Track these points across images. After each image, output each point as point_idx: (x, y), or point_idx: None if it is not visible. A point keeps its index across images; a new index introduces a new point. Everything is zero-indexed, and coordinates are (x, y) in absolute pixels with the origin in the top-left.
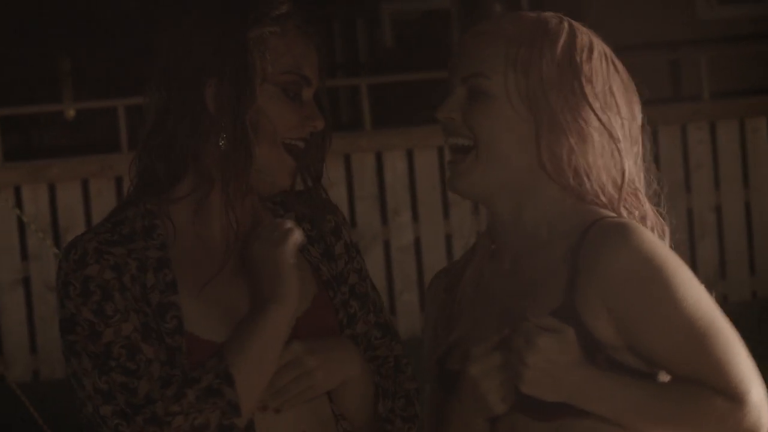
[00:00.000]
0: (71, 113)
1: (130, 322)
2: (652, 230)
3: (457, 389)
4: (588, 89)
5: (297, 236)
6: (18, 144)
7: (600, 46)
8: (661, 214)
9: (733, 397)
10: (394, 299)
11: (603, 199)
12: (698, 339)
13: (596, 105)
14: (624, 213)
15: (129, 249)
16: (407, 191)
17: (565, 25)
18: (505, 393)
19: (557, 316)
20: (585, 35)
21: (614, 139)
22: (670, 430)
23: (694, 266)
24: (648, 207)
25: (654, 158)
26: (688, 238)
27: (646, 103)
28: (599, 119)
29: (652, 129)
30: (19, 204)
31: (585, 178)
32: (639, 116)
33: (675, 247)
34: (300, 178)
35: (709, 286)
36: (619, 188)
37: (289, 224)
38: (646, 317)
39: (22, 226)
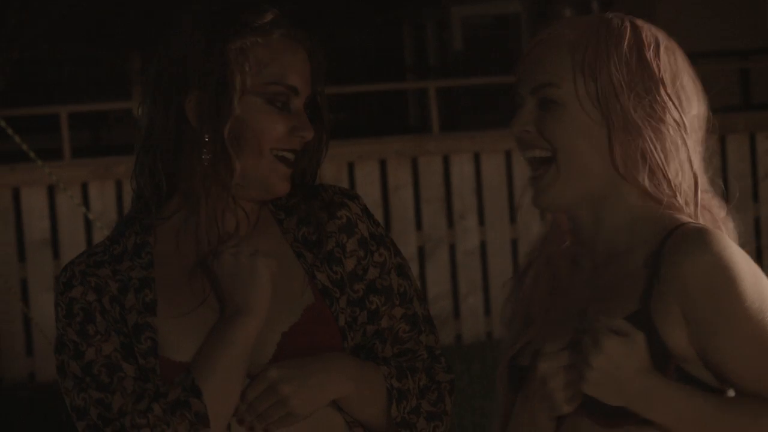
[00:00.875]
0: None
1: (111, 342)
2: (725, 231)
3: (526, 386)
4: (660, 86)
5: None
6: (86, 141)
7: (665, 40)
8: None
9: None
10: (459, 303)
11: (680, 200)
12: None
13: (669, 103)
14: (700, 215)
15: (114, 270)
16: (474, 195)
17: (627, 22)
18: (571, 393)
19: (631, 322)
20: (649, 30)
21: (688, 136)
22: None
23: None
24: (719, 207)
25: (721, 167)
26: (755, 248)
27: (715, 111)
28: (673, 117)
29: (719, 137)
30: (85, 201)
31: (662, 179)
32: (705, 111)
33: None
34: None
35: None
36: (695, 188)
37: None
38: (720, 328)
39: (88, 223)
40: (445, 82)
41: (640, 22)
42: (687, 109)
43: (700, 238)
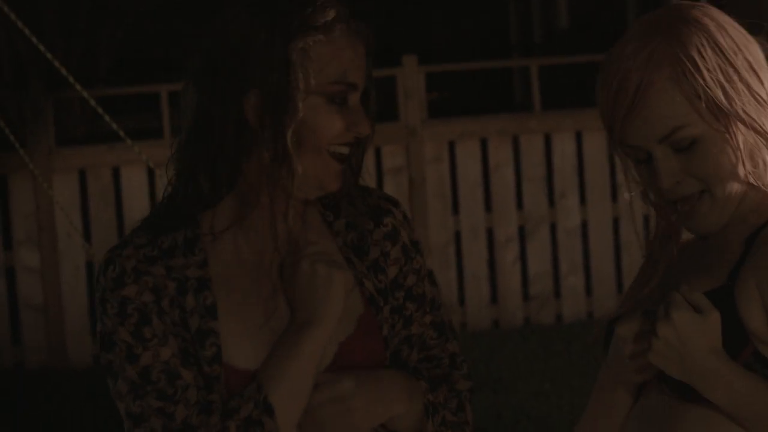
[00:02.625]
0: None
1: (169, 346)
2: None
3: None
4: (750, 79)
5: (345, 272)
6: None
7: (719, 17)
8: None
9: None
10: (560, 282)
11: None
12: None
13: (763, 92)
14: None
15: (168, 267)
16: (575, 173)
17: (691, 26)
18: (642, 362)
19: (713, 297)
20: (710, 20)
21: None
22: None
23: None
24: None
25: None
26: None
27: None
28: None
29: None
30: None
31: None
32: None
33: None
34: (350, 179)
35: None
36: None
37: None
38: None
39: None
40: (547, 60)
41: (699, 15)
42: (766, 83)
43: None
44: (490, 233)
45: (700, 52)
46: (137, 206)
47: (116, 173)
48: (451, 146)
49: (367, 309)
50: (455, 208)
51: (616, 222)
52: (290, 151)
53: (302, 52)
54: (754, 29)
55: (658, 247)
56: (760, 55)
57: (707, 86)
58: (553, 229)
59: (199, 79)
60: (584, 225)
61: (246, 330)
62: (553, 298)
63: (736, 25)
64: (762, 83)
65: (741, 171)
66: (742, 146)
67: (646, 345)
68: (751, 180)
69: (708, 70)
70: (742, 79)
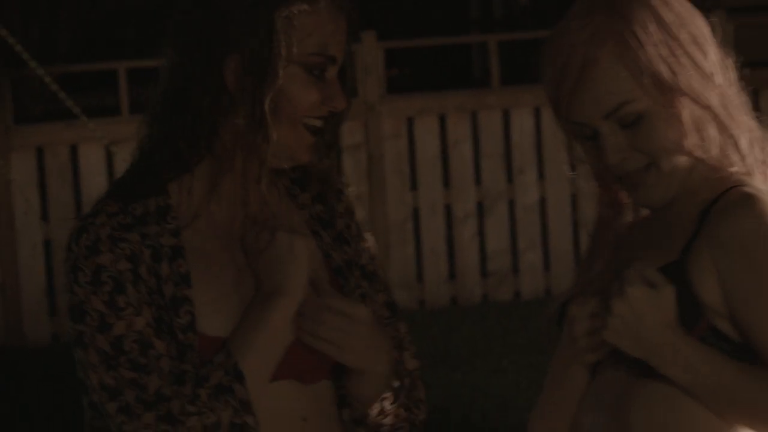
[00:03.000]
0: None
1: (143, 316)
2: None
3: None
4: (694, 52)
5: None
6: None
7: None
8: None
9: None
10: (518, 258)
11: (735, 157)
12: None
13: (712, 65)
14: (756, 169)
15: (143, 234)
16: (534, 150)
17: (633, 2)
18: (595, 341)
19: (667, 271)
20: None
21: (727, 87)
22: (746, 417)
23: None
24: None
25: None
26: None
27: (749, 65)
28: (714, 81)
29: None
30: None
31: (728, 144)
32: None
33: None
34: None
35: None
36: (750, 144)
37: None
38: (750, 294)
39: None
40: (506, 36)
41: None
42: (710, 56)
43: (746, 200)
44: (448, 209)
45: (643, 28)
46: (95, 184)
47: (74, 151)
48: (410, 122)
49: (334, 281)
50: (413, 185)
51: (574, 198)
52: (267, 117)
53: (286, 19)
54: (710, 5)
55: (604, 224)
56: (705, 29)
57: (651, 61)
58: (511, 205)
59: (179, 42)
60: (542, 201)
61: (219, 298)
62: (512, 275)
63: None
64: (706, 56)
65: (687, 144)
66: (687, 120)
67: (599, 324)
68: (698, 153)
69: (652, 45)
70: (686, 53)
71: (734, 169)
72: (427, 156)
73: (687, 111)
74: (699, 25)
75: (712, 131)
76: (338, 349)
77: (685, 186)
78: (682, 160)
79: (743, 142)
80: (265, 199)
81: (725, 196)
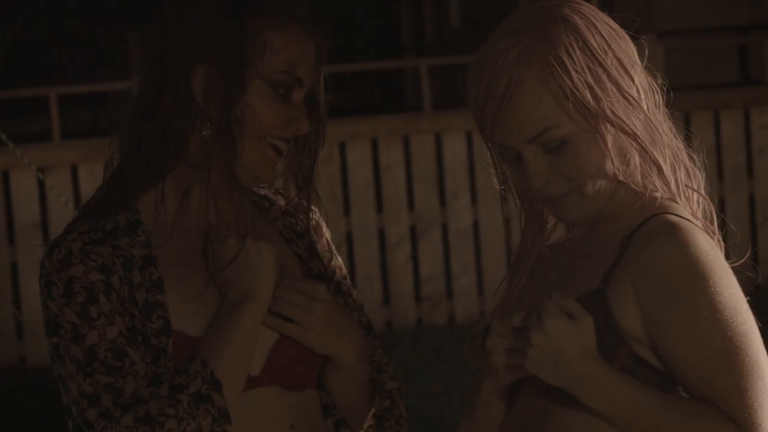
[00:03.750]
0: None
1: (116, 325)
2: (701, 211)
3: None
4: (619, 77)
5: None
6: (84, 122)
7: (592, 15)
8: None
9: (741, 426)
10: (452, 283)
11: (663, 187)
12: (721, 358)
13: (632, 89)
14: (679, 194)
15: (114, 245)
16: (466, 174)
17: (560, 24)
18: (513, 360)
19: (587, 300)
20: (580, 17)
21: (651, 112)
22: None
23: (755, 252)
24: (702, 185)
25: (716, 143)
26: (750, 224)
27: (710, 87)
28: (641, 106)
29: (714, 113)
30: (75, 183)
31: (648, 171)
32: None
33: (736, 232)
34: (290, 178)
35: None
36: (674, 171)
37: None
38: (672, 322)
39: (79, 205)
40: (437, 60)
41: (563, 11)
42: (632, 82)
43: (669, 228)
44: (381, 234)
45: (568, 53)
46: (27, 210)
47: (5, 177)
48: (342, 147)
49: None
50: (347, 209)
51: (507, 222)
52: (233, 129)
53: (255, 34)
54: (641, 28)
55: (527, 242)
56: (632, 52)
57: (575, 87)
58: (444, 229)
59: (149, 52)
60: (476, 225)
61: (194, 300)
62: (446, 299)
63: (608, 20)
64: (633, 80)
65: (610, 169)
66: (611, 146)
67: (518, 356)
68: (621, 177)
69: (576, 71)
70: (611, 78)
71: (658, 194)
72: (359, 181)
73: (611, 137)
74: (626, 49)
75: (636, 157)
76: (300, 329)
77: (609, 210)
78: (604, 185)
79: (667, 168)
80: (235, 208)
81: (648, 223)
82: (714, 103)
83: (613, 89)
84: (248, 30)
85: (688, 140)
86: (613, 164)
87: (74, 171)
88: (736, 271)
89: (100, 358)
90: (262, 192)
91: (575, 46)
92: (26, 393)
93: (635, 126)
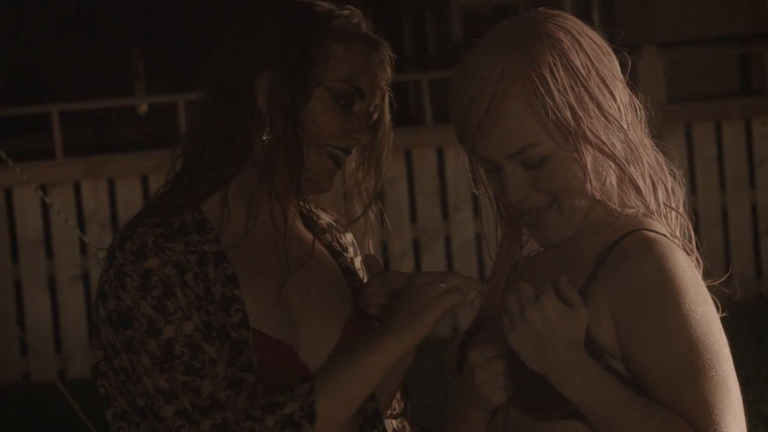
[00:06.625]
0: (143, 108)
1: (192, 320)
2: (677, 226)
3: (461, 377)
4: (601, 96)
5: (459, 299)
6: (86, 139)
7: (577, 31)
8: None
9: None
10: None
11: (641, 206)
12: (691, 374)
13: (613, 109)
14: (659, 213)
15: (186, 242)
16: (468, 186)
17: (545, 42)
18: (500, 386)
19: None
20: (565, 34)
21: (629, 131)
22: None
23: (758, 261)
24: (681, 200)
25: (717, 153)
26: (753, 233)
27: (711, 98)
28: (619, 123)
29: (715, 123)
30: (78, 200)
31: (626, 189)
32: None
33: (738, 242)
34: (355, 195)
35: None
36: (653, 189)
37: (475, 285)
38: (645, 335)
39: (82, 222)
40: (438, 73)
41: (553, 28)
42: (622, 101)
43: (645, 245)
44: (385, 247)
45: (552, 72)
46: (30, 227)
47: (9, 194)
48: None
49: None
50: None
51: (478, 239)
52: (300, 134)
53: (320, 43)
54: (640, 40)
55: (504, 255)
56: (615, 68)
57: (556, 107)
58: (447, 242)
59: (214, 59)
60: (478, 238)
61: (266, 300)
62: (449, 311)
63: (593, 35)
64: (614, 98)
65: (588, 188)
66: (589, 166)
67: (500, 370)
68: (598, 196)
69: (558, 90)
70: (592, 98)
71: (634, 211)
72: None
73: (590, 156)
74: (609, 65)
75: (613, 177)
76: (381, 308)
77: (586, 225)
78: (582, 203)
79: (645, 187)
80: (298, 213)
81: (625, 239)
82: (715, 114)
83: (594, 110)
84: (312, 38)
85: (690, 153)
86: (591, 184)
87: (77, 188)
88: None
89: (176, 354)
90: (306, 206)
91: (559, 65)
92: (30, 409)
93: (614, 146)
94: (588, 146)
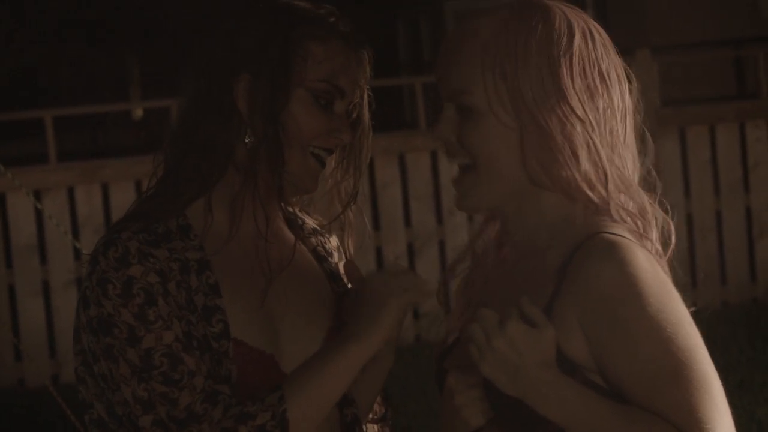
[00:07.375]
0: (139, 113)
1: (172, 330)
2: (654, 225)
3: (442, 396)
4: (569, 84)
5: (415, 298)
6: (81, 144)
7: (583, 25)
8: (664, 210)
9: None
10: (450, 299)
11: (595, 199)
12: (667, 375)
13: (575, 100)
14: (616, 211)
15: (169, 249)
16: None
17: (539, 13)
18: (479, 409)
19: None
20: (563, 19)
21: (594, 132)
22: None
23: (752, 265)
24: (646, 200)
25: (711, 156)
26: (747, 237)
27: (705, 101)
28: (578, 114)
29: (709, 127)
30: (72, 205)
31: (579, 180)
32: (631, 97)
33: (732, 245)
34: (335, 195)
35: None
36: (605, 184)
37: (428, 285)
38: (615, 343)
39: (76, 227)
40: (432, 78)
41: (556, 10)
42: (603, 99)
43: (607, 249)
44: (379, 252)
45: (529, 36)
46: (24, 232)
47: (2, 200)
48: None
49: (340, 303)
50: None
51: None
52: (281, 136)
53: (298, 43)
54: (635, 42)
55: (477, 263)
56: (619, 66)
57: (513, 80)
58: (441, 246)
59: (192, 64)
60: None
61: (249, 308)
62: (443, 315)
63: (605, 40)
64: (607, 96)
65: (521, 171)
66: (533, 146)
67: (477, 394)
68: (537, 179)
69: (523, 67)
70: (565, 97)
71: (591, 208)
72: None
73: (534, 138)
74: (612, 63)
75: (566, 172)
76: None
77: (543, 230)
78: (507, 176)
79: (611, 187)
80: (282, 216)
81: (583, 246)
82: (709, 117)
83: (552, 92)
84: (290, 39)
85: (684, 156)
86: (527, 163)
87: (71, 193)
88: (738, 281)
89: (155, 364)
90: (290, 209)
91: (536, 40)
92: (25, 414)
93: (571, 136)
94: (535, 128)
